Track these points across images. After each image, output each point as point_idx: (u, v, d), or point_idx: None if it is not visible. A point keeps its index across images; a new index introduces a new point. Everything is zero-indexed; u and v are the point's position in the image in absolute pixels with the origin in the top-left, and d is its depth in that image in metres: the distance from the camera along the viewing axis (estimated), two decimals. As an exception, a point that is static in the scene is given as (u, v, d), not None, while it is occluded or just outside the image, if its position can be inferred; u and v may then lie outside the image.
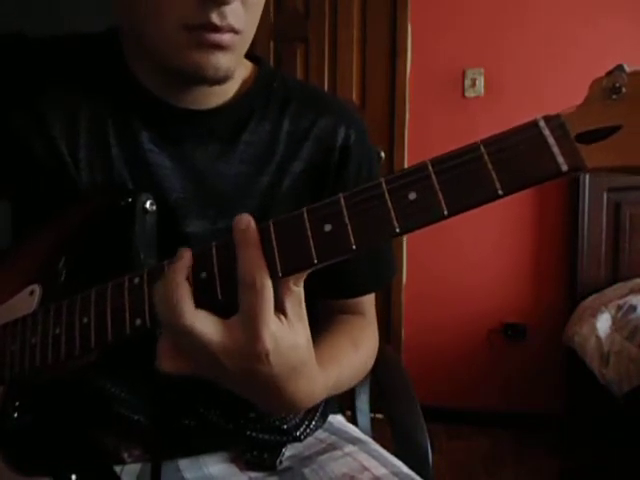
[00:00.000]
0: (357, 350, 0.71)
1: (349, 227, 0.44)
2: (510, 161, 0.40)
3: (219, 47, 0.59)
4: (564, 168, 0.39)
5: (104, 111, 0.67)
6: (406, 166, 2.55)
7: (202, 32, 0.58)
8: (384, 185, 0.43)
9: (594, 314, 2.11)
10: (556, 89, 2.41)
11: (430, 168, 0.42)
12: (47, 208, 0.67)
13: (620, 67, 0.40)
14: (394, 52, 2.53)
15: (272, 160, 0.70)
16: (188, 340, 0.46)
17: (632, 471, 1.73)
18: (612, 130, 0.39)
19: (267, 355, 0.46)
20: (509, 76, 2.49)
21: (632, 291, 2.16)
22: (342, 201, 0.44)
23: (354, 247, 0.44)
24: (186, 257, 0.48)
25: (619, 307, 2.05)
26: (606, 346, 1.95)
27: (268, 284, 0.45)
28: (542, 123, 0.40)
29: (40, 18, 1.93)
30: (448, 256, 2.59)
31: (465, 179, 0.41)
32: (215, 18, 0.57)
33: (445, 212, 0.41)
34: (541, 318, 2.52)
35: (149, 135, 0.67)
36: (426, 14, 2.54)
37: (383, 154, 2.53)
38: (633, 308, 2.00)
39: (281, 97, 0.72)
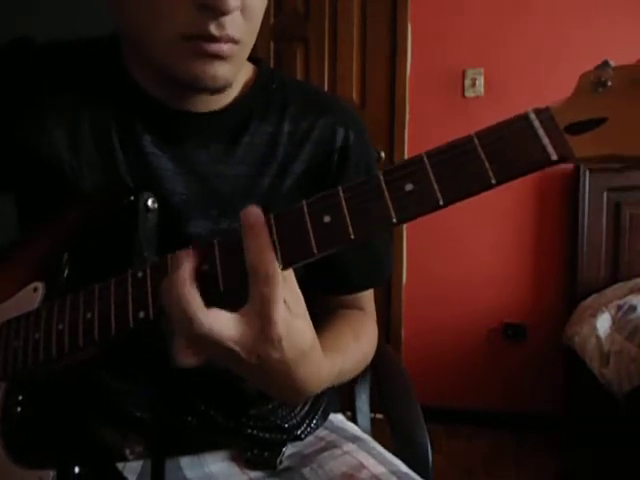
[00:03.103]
0: (358, 341, 0.72)
1: (347, 218, 0.45)
2: (502, 152, 0.42)
3: (218, 57, 0.58)
4: (554, 157, 0.40)
5: (106, 116, 0.68)
6: (406, 166, 2.55)
7: (200, 42, 0.57)
8: (381, 177, 0.45)
9: (594, 314, 2.11)
10: (556, 89, 2.40)
11: (426, 160, 0.44)
12: (50, 210, 0.67)
13: (606, 62, 0.42)
14: (394, 52, 2.53)
15: (273, 161, 0.71)
16: (203, 338, 0.47)
17: (632, 471, 1.73)
18: (598, 122, 0.40)
19: (280, 340, 0.47)
20: (509, 76, 2.49)
21: (632, 291, 2.16)
22: (341, 193, 0.45)
23: (353, 237, 0.45)
24: (188, 258, 0.48)
25: (619, 307, 2.05)
26: (606, 346, 1.95)
27: (278, 272, 0.46)
28: (532, 115, 0.42)
29: (47, 19, 1.94)
30: (448, 256, 2.59)
31: (460, 170, 0.43)
32: (213, 29, 0.56)
33: (441, 202, 0.43)
34: (541, 318, 2.53)
35: (151, 138, 0.68)
36: (426, 14, 2.54)
37: (383, 154, 2.53)
38: (633, 308, 1.99)
39: (280, 98, 0.73)
